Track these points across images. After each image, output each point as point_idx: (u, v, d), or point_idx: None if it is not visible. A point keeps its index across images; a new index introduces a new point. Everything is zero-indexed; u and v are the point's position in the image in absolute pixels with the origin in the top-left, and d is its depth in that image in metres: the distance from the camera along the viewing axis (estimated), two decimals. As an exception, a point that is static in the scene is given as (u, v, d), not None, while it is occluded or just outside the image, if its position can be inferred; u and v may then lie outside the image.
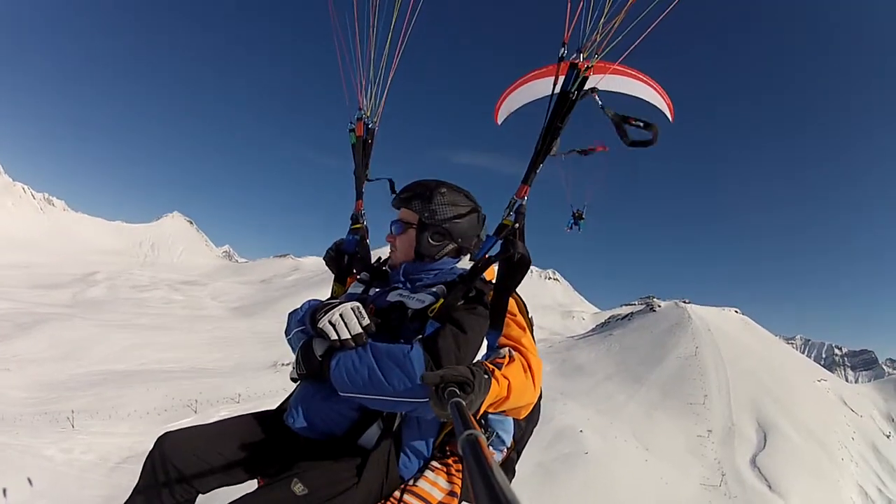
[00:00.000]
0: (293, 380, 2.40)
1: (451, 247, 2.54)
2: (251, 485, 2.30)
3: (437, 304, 2.21)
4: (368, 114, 3.33)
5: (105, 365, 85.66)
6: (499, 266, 2.29)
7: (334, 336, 2.07)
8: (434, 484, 2.17)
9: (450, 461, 2.29)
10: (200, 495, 2.28)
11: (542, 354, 2.23)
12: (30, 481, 9.76)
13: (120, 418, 42.60)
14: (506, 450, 2.55)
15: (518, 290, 2.37)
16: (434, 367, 1.97)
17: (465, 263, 2.54)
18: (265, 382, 70.16)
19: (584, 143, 2.58)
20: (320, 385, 2.21)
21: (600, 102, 2.42)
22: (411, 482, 2.18)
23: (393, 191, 2.83)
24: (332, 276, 3.13)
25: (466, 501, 2.19)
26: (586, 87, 2.35)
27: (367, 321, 2.12)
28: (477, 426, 1.34)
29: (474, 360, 2.15)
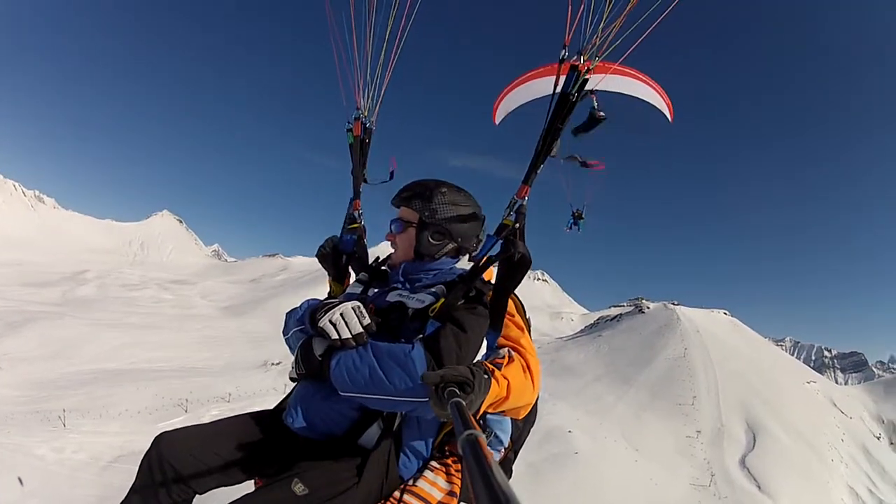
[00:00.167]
0: (292, 379, 2.39)
1: (450, 246, 2.54)
2: (248, 485, 2.30)
3: (438, 304, 2.21)
4: (366, 113, 3.32)
5: (95, 364, 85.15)
6: (499, 266, 2.29)
7: (335, 335, 2.07)
8: (433, 484, 2.17)
9: (449, 461, 2.29)
10: (198, 496, 2.26)
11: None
12: (20, 481, 9.70)
13: (111, 417, 42.29)
14: (503, 450, 2.55)
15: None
16: (435, 366, 1.97)
17: (465, 263, 2.54)
18: (255, 382, 69.99)
19: (583, 148, 2.59)
20: (320, 385, 2.21)
21: (595, 104, 2.43)
22: (411, 482, 2.17)
23: (391, 177, 2.92)
24: (323, 274, 3.13)
25: (465, 501, 2.20)
26: (587, 88, 2.36)
27: (367, 320, 2.11)
28: (477, 426, 1.34)
29: (474, 361, 2.15)
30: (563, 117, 2.37)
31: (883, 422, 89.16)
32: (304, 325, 2.24)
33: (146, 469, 2.18)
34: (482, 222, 2.65)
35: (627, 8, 2.25)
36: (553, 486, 38.58)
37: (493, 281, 2.36)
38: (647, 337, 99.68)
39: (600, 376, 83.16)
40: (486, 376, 1.81)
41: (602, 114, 2.43)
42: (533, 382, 2.09)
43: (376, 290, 2.56)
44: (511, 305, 2.33)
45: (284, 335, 2.44)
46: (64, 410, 41.73)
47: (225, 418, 2.48)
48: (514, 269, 2.25)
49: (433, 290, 2.32)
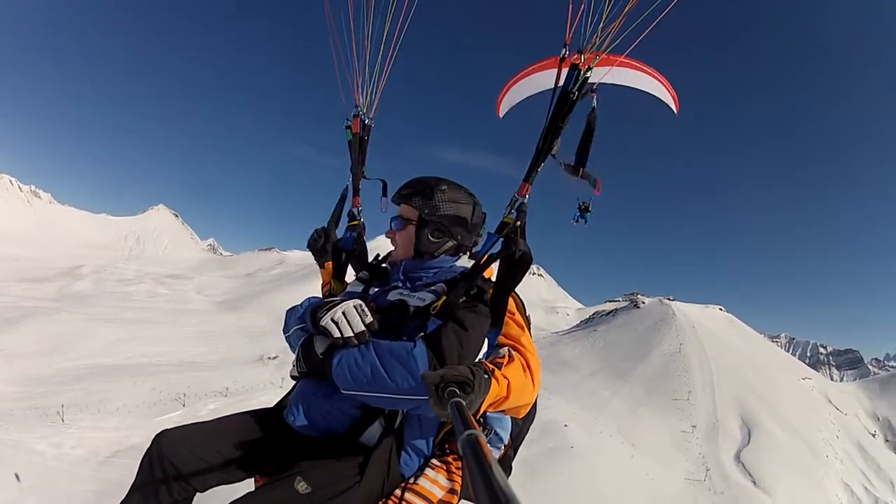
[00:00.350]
0: (293, 378, 2.39)
1: (450, 244, 2.55)
2: (249, 483, 2.31)
3: (440, 302, 2.21)
4: (365, 111, 3.33)
5: (92, 359, 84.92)
6: (499, 264, 2.29)
7: (337, 334, 2.06)
8: (434, 482, 2.18)
9: (449, 459, 2.30)
10: (198, 494, 2.27)
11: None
12: (17, 477, 9.69)
13: (109, 412, 42.35)
14: (503, 447, 2.56)
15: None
16: (437, 364, 1.98)
17: (465, 261, 2.55)
18: (252, 376, 70.02)
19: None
20: (321, 383, 2.21)
21: (595, 104, 2.43)
22: (412, 480, 2.18)
23: (385, 193, 2.89)
24: (318, 269, 3.19)
25: (466, 499, 2.20)
26: (591, 82, 2.36)
27: (369, 319, 2.11)
28: (477, 426, 1.34)
29: (476, 359, 2.15)
30: (563, 115, 2.37)
31: (878, 419, 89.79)
32: (306, 323, 2.24)
33: (147, 467, 2.18)
34: (482, 220, 2.65)
35: (627, 7, 2.25)
36: (549, 481, 38.71)
37: (493, 279, 2.35)
38: (642, 332, 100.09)
39: (596, 371, 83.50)
40: (486, 376, 1.81)
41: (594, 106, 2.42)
42: (533, 382, 2.09)
43: (377, 289, 2.57)
44: (511, 303, 2.32)
45: (285, 333, 2.44)
46: (62, 406, 41.66)
47: (226, 416, 2.49)
48: (515, 267, 2.24)
49: (434, 288, 2.32)
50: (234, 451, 2.25)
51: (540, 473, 38.72)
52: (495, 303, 2.27)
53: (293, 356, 2.31)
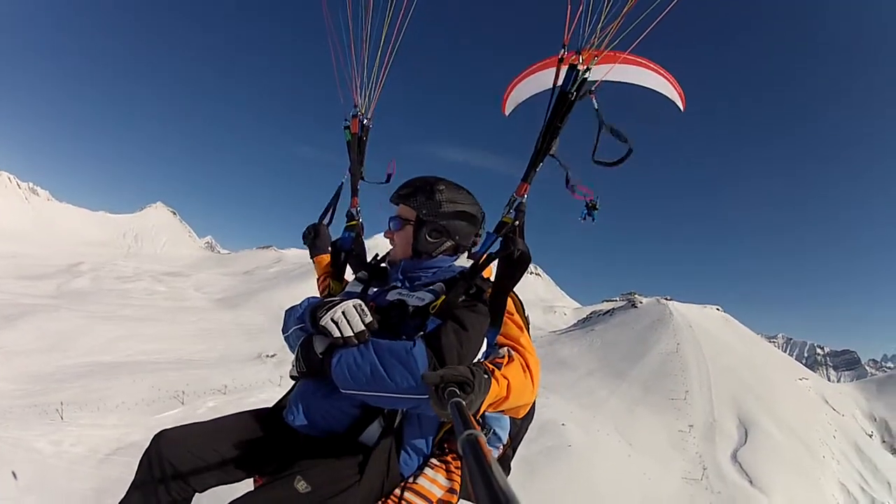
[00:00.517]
0: (293, 378, 2.39)
1: (448, 244, 2.55)
2: (248, 483, 2.31)
3: (439, 302, 2.21)
4: (363, 111, 3.33)
5: (91, 356, 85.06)
6: (498, 264, 2.28)
7: (337, 333, 2.07)
8: (434, 481, 2.19)
9: (449, 458, 2.31)
10: (197, 494, 2.27)
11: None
12: (14, 475, 9.68)
13: (108, 410, 42.41)
14: (502, 447, 2.56)
15: None
16: (437, 363, 1.98)
17: (463, 261, 2.55)
18: (250, 374, 70.11)
19: (580, 146, 2.59)
20: (321, 382, 2.21)
21: (596, 106, 2.43)
22: (411, 479, 2.19)
23: (388, 180, 2.93)
24: (316, 267, 3.27)
25: (465, 499, 2.21)
26: (591, 80, 2.36)
27: (369, 318, 2.12)
28: (476, 426, 1.34)
29: (475, 358, 2.16)
30: (562, 116, 2.37)
31: (875, 420, 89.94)
32: (305, 323, 2.24)
33: (146, 466, 2.19)
34: (481, 220, 2.65)
35: (626, 7, 2.25)
36: (548, 480, 38.76)
37: (492, 278, 2.35)
38: (639, 332, 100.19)
39: (593, 370, 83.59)
40: (485, 376, 1.80)
41: (625, 140, 2.41)
42: (533, 382, 2.08)
43: (376, 289, 2.57)
44: (510, 304, 2.31)
45: (284, 333, 2.44)
46: (62, 403, 41.68)
47: (225, 416, 2.49)
48: (514, 267, 2.24)
49: (433, 288, 2.33)
50: (234, 450, 2.26)
51: (538, 472, 38.77)
52: (494, 302, 2.26)
53: (292, 356, 2.31)
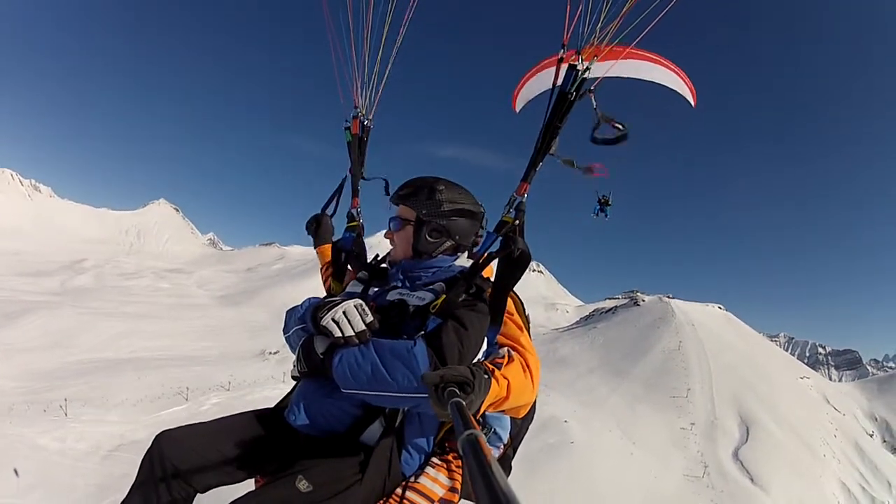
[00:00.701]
0: (294, 378, 2.40)
1: (448, 244, 2.55)
2: (249, 483, 2.32)
3: (439, 301, 2.22)
4: (364, 112, 3.34)
5: (94, 353, 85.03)
6: (498, 263, 2.29)
7: (338, 333, 2.07)
8: (435, 480, 2.19)
9: (450, 457, 2.32)
10: (199, 494, 2.28)
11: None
12: (16, 472, 9.69)
13: (111, 406, 42.38)
14: (502, 446, 2.56)
15: None
16: (437, 362, 1.99)
17: (463, 261, 2.57)
18: (253, 371, 69.99)
19: (580, 146, 2.59)
20: (322, 382, 2.22)
21: (595, 104, 2.43)
22: (413, 479, 2.20)
23: (387, 192, 2.87)
24: (318, 264, 3.30)
25: (466, 498, 2.22)
26: (594, 76, 2.37)
27: (370, 318, 2.12)
28: (477, 426, 1.35)
29: (476, 357, 2.17)
30: (561, 116, 2.37)
31: (876, 419, 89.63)
32: (306, 323, 2.25)
33: (147, 466, 2.19)
34: (481, 220, 2.65)
35: (626, 7, 2.25)
36: (549, 478, 38.69)
37: (492, 278, 2.35)
38: (641, 329, 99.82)
39: (595, 368, 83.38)
40: (486, 376, 1.80)
41: (620, 126, 2.39)
42: (533, 382, 2.08)
43: (376, 289, 2.58)
44: (510, 304, 2.31)
45: (285, 333, 2.45)
46: (65, 400, 41.73)
47: (227, 416, 2.49)
48: (514, 266, 2.25)
49: (433, 287, 2.34)
50: (235, 450, 2.26)
51: (540, 470, 38.70)
52: (494, 301, 2.26)
53: (294, 356, 2.32)
